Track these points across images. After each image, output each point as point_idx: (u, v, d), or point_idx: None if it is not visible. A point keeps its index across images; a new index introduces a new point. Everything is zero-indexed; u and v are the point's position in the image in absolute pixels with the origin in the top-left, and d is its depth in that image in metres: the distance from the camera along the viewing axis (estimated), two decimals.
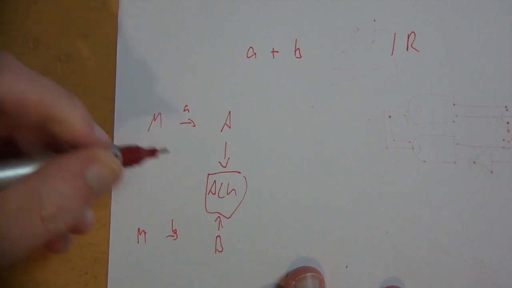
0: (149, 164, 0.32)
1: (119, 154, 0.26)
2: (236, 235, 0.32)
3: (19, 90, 0.21)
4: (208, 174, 0.32)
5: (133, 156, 0.26)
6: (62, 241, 0.28)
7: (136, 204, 0.32)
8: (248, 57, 0.32)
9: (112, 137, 0.32)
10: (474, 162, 0.31)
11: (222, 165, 0.32)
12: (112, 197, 0.32)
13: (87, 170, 0.21)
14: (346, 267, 0.31)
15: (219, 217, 0.32)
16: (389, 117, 0.32)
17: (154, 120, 0.32)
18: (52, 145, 0.25)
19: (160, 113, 0.32)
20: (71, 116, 0.22)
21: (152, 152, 0.27)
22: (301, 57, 0.32)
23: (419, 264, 0.31)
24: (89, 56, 0.33)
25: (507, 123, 0.31)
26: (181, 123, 0.32)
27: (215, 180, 0.32)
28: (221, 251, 0.32)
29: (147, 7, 0.33)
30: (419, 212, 0.31)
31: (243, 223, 0.32)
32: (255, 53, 0.32)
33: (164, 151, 0.28)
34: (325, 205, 0.32)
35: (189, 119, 0.32)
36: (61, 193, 0.20)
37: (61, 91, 0.22)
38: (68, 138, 0.23)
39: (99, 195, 0.22)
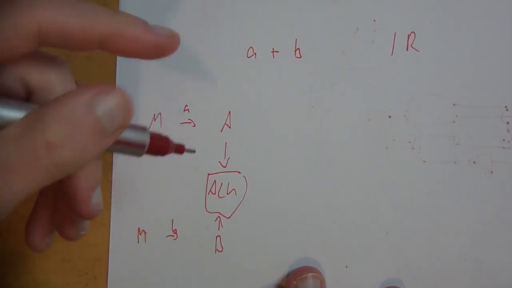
0: (149, 163, 0.32)
1: (148, 139, 0.25)
2: (236, 235, 0.32)
3: (60, 20, 0.19)
4: (208, 174, 0.32)
5: (160, 145, 0.26)
6: (75, 225, 0.25)
7: (136, 204, 0.32)
8: (248, 57, 0.32)
9: None
10: (474, 162, 0.31)
11: (222, 165, 0.32)
12: (112, 197, 0.32)
13: (96, 100, 0.20)
14: (346, 267, 0.31)
15: (219, 217, 0.32)
16: (389, 117, 0.32)
17: (154, 120, 0.32)
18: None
19: (160, 113, 0.32)
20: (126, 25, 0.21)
21: (179, 149, 0.27)
22: (301, 57, 0.32)
23: (419, 264, 0.31)
24: (89, 56, 0.33)
25: (507, 123, 0.31)
26: (181, 123, 0.32)
27: (215, 180, 0.32)
28: (221, 251, 0.32)
29: (147, 7, 0.33)
30: (419, 212, 0.31)
31: (243, 223, 0.32)
32: (255, 53, 0.32)
33: (191, 151, 0.27)
34: (325, 205, 0.32)
35: (189, 119, 0.32)
36: (67, 120, 0.19)
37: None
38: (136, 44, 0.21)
39: (109, 132, 0.20)
